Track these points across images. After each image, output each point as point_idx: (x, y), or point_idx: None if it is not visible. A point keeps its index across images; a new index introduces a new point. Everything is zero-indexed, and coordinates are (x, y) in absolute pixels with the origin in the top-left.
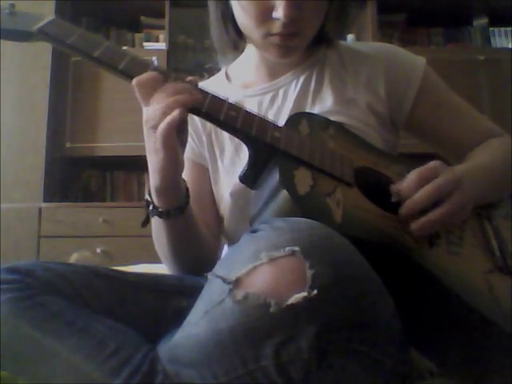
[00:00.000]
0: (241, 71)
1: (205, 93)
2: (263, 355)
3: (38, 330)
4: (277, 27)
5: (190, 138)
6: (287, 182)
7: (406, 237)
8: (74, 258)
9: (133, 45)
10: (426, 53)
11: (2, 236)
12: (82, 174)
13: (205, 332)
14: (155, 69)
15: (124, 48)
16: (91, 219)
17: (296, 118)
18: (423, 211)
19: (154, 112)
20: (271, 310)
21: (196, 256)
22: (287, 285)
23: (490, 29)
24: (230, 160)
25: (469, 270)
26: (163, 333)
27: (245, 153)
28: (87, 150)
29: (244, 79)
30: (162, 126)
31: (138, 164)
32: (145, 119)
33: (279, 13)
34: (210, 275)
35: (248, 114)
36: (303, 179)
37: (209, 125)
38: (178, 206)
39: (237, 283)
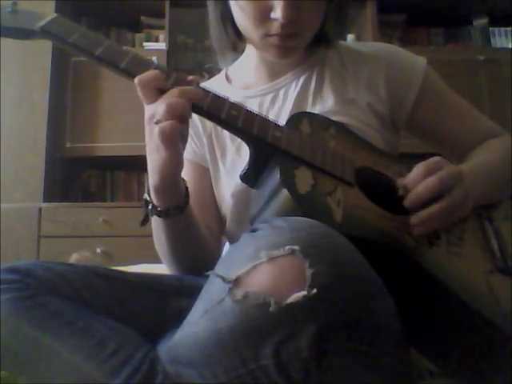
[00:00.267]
0: (241, 72)
1: (206, 91)
2: (263, 354)
3: (38, 329)
4: (275, 28)
5: (190, 140)
6: (288, 181)
7: (406, 237)
8: (73, 258)
9: (133, 45)
10: (425, 53)
11: (2, 236)
12: (82, 173)
13: (204, 331)
14: (157, 67)
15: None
16: (91, 219)
17: (297, 118)
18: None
19: (159, 108)
20: (271, 309)
21: (195, 256)
22: (287, 284)
23: (490, 29)
24: (231, 161)
25: (469, 271)
26: (163, 333)
27: (246, 153)
28: (87, 150)
29: (244, 80)
30: (167, 122)
31: (137, 164)
32: (148, 116)
33: (277, 13)
34: (210, 274)
35: (249, 113)
36: (304, 178)
37: (209, 126)
38: (177, 206)
39: (236, 282)
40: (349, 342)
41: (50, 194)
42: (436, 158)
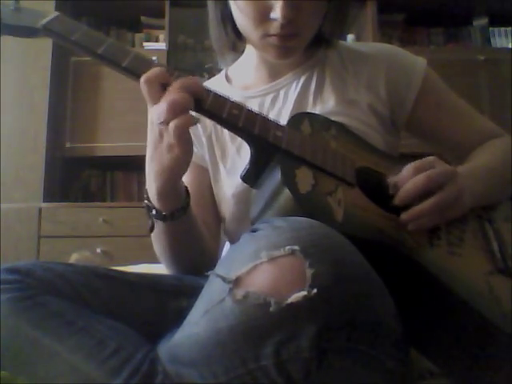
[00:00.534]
0: (241, 73)
1: (207, 91)
2: (263, 354)
3: (38, 329)
4: (274, 28)
5: None
6: (289, 181)
7: (406, 237)
8: (73, 258)
9: (133, 45)
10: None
11: (2, 236)
12: (81, 173)
13: (205, 331)
14: (160, 66)
15: None
16: (91, 219)
17: (298, 118)
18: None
19: (165, 107)
20: (271, 309)
21: (195, 256)
22: (287, 284)
23: (490, 29)
24: (231, 161)
25: (469, 271)
26: (163, 333)
27: (246, 153)
28: (87, 150)
29: (244, 81)
30: (180, 119)
31: (137, 164)
32: (157, 115)
33: (277, 13)
34: (210, 274)
35: (250, 112)
36: (305, 178)
37: (209, 127)
38: (180, 208)
39: (237, 282)
40: (349, 342)
41: (50, 194)
42: (429, 158)
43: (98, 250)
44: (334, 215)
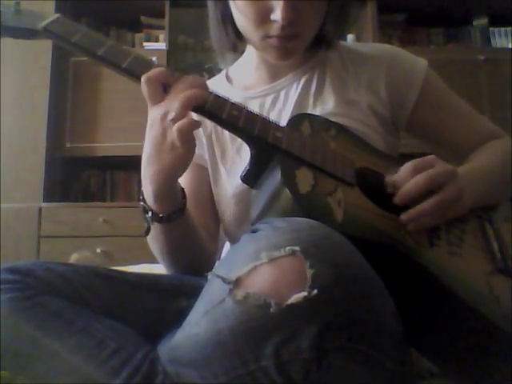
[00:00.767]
0: (241, 73)
1: (208, 91)
2: (263, 355)
3: (38, 329)
4: (275, 29)
5: None
6: (288, 182)
7: (406, 237)
8: (73, 258)
9: (133, 45)
10: (425, 53)
11: (2, 236)
12: (82, 173)
13: (205, 332)
14: (160, 66)
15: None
16: (91, 219)
17: (298, 119)
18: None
19: (173, 105)
20: (271, 309)
21: (193, 257)
22: (287, 284)
23: (490, 29)
24: (231, 161)
25: (469, 271)
26: (163, 333)
27: (246, 154)
28: (87, 150)
29: (245, 81)
30: (184, 120)
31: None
32: (160, 115)
33: (277, 15)
34: (210, 275)
35: (250, 113)
36: (304, 179)
37: (209, 126)
38: (177, 209)
39: (237, 283)
40: (349, 343)
41: (50, 194)
42: (428, 157)
43: (98, 250)
44: (333, 215)
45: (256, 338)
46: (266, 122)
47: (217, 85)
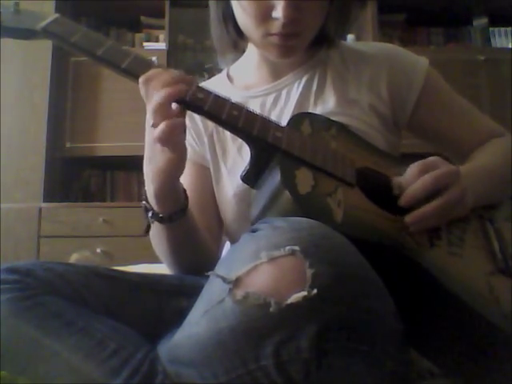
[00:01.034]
0: (242, 72)
1: (207, 92)
2: (263, 355)
3: (38, 329)
4: (276, 27)
5: (191, 139)
6: (288, 182)
7: (406, 237)
8: (73, 258)
9: (133, 45)
10: (426, 53)
11: (2, 236)
12: (82, 173)
13: (205, 331)
14: (157, 67)
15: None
16: (91, 219)
17: (298, 119)
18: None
19: (153, 109)
20: (271, 309)
21: (195, 257)
22: (287, 284)
23: (490, 29)
24: (232, 161)
25: (469, 271)
26: (163, 333)
27: (247, 153)
28: (87, 149)
29: (246, 80)
30: (162, 126)
31: (138, 164)
32: (147, 119)
33: (278, 13)
34: (210, 274)
35: (250, 113)
36: (304, 179)
37: (210, 126)
38: (178, 210)
39: (237, 283)
40: (349, 343)
41: (50, 194)
42: (433, 158)
43: (98, 250)
44: (333, 216)
45: (256, 337)
46: (265, 122)
47: (218, 84)
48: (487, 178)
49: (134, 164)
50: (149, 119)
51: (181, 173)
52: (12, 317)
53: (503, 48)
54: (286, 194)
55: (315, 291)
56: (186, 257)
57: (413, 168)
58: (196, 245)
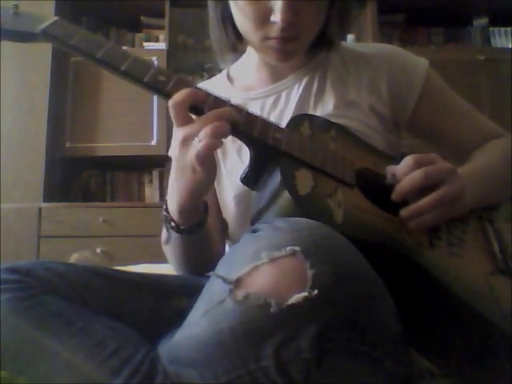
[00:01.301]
0: (242, 73)
1: (207, 93)
2: (263, 355)
3: (38, 329)
4: (275, 31)
5: None
6: (288, 183)
7: (406, 237)
8: (73, 258)
9: (133, 45)
10: (426, 53)
11: (2, 236)
12: (81, 173)
13: (205, 332)
14: (157, 69)
15: (124, 48)
16: (91, 219)
17: (298, 120)
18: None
19: (199, 130)
20: (272, 309)
21: (206, 261)
22: (288, 285)
23: (490, 29)
24: (232, 162)
25: (469, 272)
26: (163, 333)
27: (247, 155)
28: (87, 150)
29: (246, 82)
30: (204, 142)
31: (138, 164)
32: (184, 137)
33: (277, 17)
34: (211, 275)
35: (250, 115)
36: (304, 180)
37: None
38: (199, 223)
39: (237, 283)
40: (349, 343)
41: (50, 194)
42: (430, 154)
43: (98, 250)
44: (333, 217)
45: (256, 338)
46: (265, 124)
47: (218, 85)
48: (487, 178)
49: (134, 164)
50: (178, 140)
51: (207, 192)
52: (12, 316)
53: (503, 48)
54: (286, 194)
55: (316, 292)
56: (199, 261)
57: (408, 159)
58: (209, 249)
